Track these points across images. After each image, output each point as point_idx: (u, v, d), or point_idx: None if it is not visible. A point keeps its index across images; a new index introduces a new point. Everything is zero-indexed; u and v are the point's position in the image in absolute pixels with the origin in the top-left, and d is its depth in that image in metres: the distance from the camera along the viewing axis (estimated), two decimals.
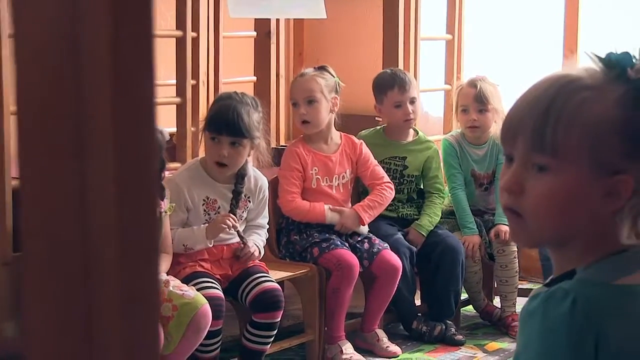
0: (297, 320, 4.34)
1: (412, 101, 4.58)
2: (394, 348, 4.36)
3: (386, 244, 4.32)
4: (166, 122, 4.21)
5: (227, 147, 3.81)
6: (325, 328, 4.20)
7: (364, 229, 4.36)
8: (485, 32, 5.58)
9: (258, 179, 4.00)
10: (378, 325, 4.41)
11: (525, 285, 5.07)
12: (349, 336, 4.28)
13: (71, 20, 0.59)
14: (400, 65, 4.94)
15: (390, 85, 4.57)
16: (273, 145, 4.49)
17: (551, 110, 1.30)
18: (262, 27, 4.89)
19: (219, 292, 3.70)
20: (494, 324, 4.76)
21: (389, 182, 4.43)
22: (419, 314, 4.57)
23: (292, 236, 4.30)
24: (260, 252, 3.96)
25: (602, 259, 1.32)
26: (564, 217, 1.32)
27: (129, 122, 0.60)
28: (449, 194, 4.73)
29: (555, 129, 1.29)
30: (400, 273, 4.29)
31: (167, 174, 3.88)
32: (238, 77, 4.91)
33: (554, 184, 1.31)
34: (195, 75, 4.41)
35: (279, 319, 3.85)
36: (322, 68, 4.33)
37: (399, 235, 4.47)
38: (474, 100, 4.63)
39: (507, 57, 5.48)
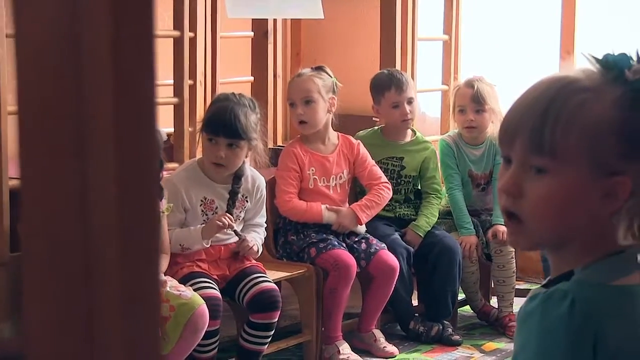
0: (294, 321, 4.34)
1: (410, 101, 4.58)
2: (391, 348, 4.36)
3: (383, 244, 4.32)
4: (163, 122, 4.21)
5: (224, 148, 3.81)
6: (323, 328, 4.20)
7: (362, 229, 4.36)
8: (482, 33, 5.58)
9: (256, 178, 4.00)
10: (375, 325, 4.41)
11: (522, 285, 5.08)
12: (346, 336, 4.28)
13: (72, 20, 0.59)
14: (398, 66, 4.94)
15: (388, 85, 4.57)
16: (270, 145, 4.49)
17: (549, 112, 1.30)
18: (260, 27, 4.89)
19: (216, 292, 3.71)
20: (491, 324, 4.76)
21: (387, 182, 4.44)
22: (416, 314, 4.57)
23: (289, 236, 4.30)
24: (259, 249, 3.96)
25: (600, 260, 1.32)
26: (563, 219, 1.32)
27: (130, 122, 0.60)
28: (446, 194, 4.74)
29: (553, 130, 1.29)
30: (398, 273, 4.30)
31: (164, 174, 3.88)
32: (235, 77, 4.91)
33: (552, 185, 1.31)
34: (193, 75, 4.41)
35: (277, 319, 3.85)
36: (319, 68, 4.33)
37: (396, 235, 4.47)
38: (471, 101, 4.63)
39: (504, 57, 5.48)
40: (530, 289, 5.16)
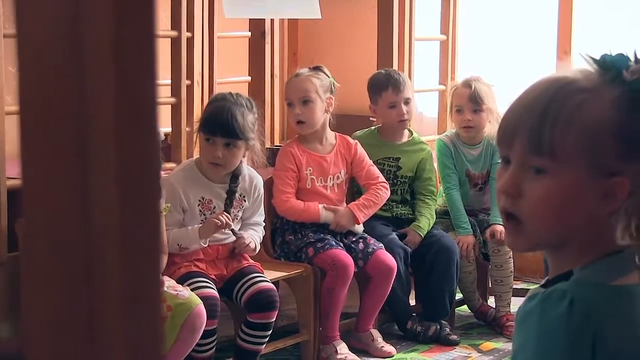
0: (291, 321, 4.34)
1: (407, 102, 4.59)
2: (388, 348, 4.36)
3: (381, 244, 4.32)
4: (161, 122, 4.20)
5: (221, 148, 3.81)
6: (320, 328, 4.20)
7: (359, 229, 4.36)
8: (480, 33, 5.58)
9: (253, 177, 4.00)
10: (373, 325, 4.41)
11: (519, 285, 5.08)
12: (344, 336, 4.28)
13: (73, 20, 0.60)
14: (395, 66, 4.94)
15: (385, 85, 4.57)
16: (267, 145, 4.49)
17: (548, 112, 1.30)
18: (257, 27, 4.89)
19: (214, 292, 3.71)
20: (488, 324, 4.77)
21: (385, 182, 4.44)
22: (414, 314, 4.58)
23: (287, 236, 4.30)
24: (256, 246, 3.96)
25: (599, 260, 1.32)
26: (562, 219, 1.32)
27: (131, 122, 0.60)
28: (444, 194, 4.74)
29: (552, 131, 1.30)
30: (395, 273, 4.30)
31: (162, 174, 3.88)
32: (233, 77, 4.91)
33: (551, 186, 1.31)
34: (190, 75, 4.41)
35: (274, 319, 3.85)
36: (317, 68, 4.33)
37: (394, 235, 4.47)
38: (469, 101, 4.64)
39: (501, 57, 5.48)
40: (527, 289, 5.16)
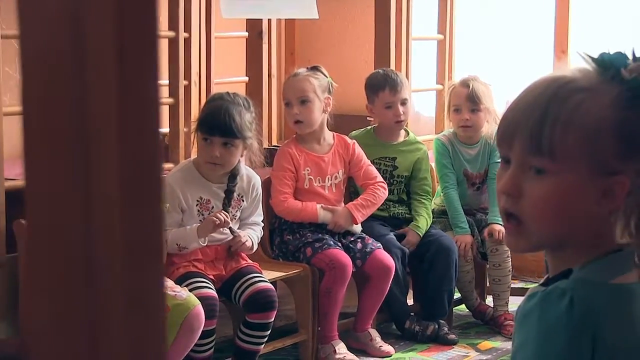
0: (290, 320, 4.35)
1: (403, 102, 4.59)
2: (387, 347, 4.36)
3: (379, 244, 4.33)
4: None
5: (219, 147, 3.81)
6: (319, 328, 4.20)
7: (357, 229, 4.36)
8: (477, 32, 5.59)
9: (251, 177, 4.00)
10: (371, 324, 4.41)
11: (517, 284, 5.09)
12: (342, 336, 4.29)
13: (76, 20, 0.60)
14: (392, 65, 4.95)
15: (382, 86, 4.57)
16: (265, 145, 4.49)
17: (548, 113, 1.30)
18: (254, 27, 4.90)
19: (212, 292, 3.71)
20: (486, 323, 4.77)
21: (382, 182, 4.44)
22: (412, 314, 4.58)
23: (285, 236, 4.30)
24: (253, 245, 3.96)
25: (598, 259, 1.33)
26: (562, 219, 1.32)
27: (134, 122, 0.60)
28: (441, 194, 4.75)
29: (552, 132, 1.30)
30: (393, 273, 4.30)
31: None
32: (230, 78, 4.91)
33: (552, 186, 1.31)
34: (188, 75, 4.41)
35: (273, 319, 3.85)
36: (315, 68, 4.33)
37: (391, 235, 4.48)
38: (467, 100, 4.64)
39: (498, 57, 5.49)
40: (525, 288, 5.17)
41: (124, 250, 0.60)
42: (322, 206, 4.29)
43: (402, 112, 4.57)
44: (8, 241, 3.57)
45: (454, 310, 4.75)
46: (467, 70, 4.97)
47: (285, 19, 5.58)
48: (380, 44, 5.02)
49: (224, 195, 3.91)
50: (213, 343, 3.75)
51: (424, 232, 4.54)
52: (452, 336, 4.52)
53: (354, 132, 4.66)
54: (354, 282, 4.31)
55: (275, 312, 3.86)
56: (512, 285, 4.82)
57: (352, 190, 4.56)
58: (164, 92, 4.34)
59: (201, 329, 3.57)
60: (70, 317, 0.61)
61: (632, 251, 1.33)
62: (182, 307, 3.51)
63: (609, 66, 1.33)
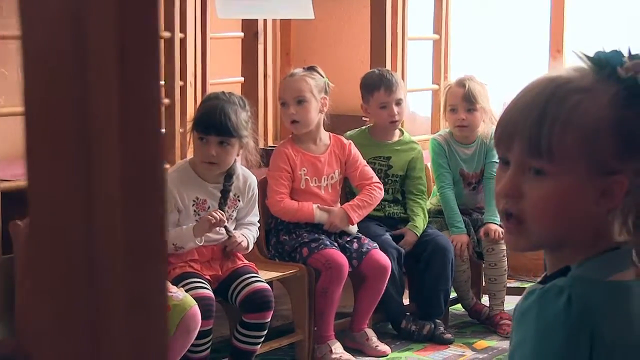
0: (286, 321, 4.35)
1: (398, 102, 4.59)
2: (383, 347, 4.36)
3: (375, 244, 4.33)
4: None
5: (215, 146, 3.81)
6: (315, 328, 4.21)
7: (353, 229, 4.37)
8: (472, 32, 5.59)
9: (247, 177, 4.00)
10: (367, 324, 4.42)
11: (513, 283, 5.09)
12: (339, 336, 4.29)
13: (77, 20, 0.60)
14: (388, 65, 4.95)
15: (377, 86, 4.58)
16: (261, 145, 4.49)
17: (546, 113, 1.31)
18: (250, 27, 4.89)
19: (209, 292, 3.71)
20: (482, 323, 4.78)
21: (378, 183, 4.44)
22: (408, 313, 4.58)
23: (281, 236, 4.31)
24: (249, 245, 3.96)
25: (596, 257, 1.33)
26: (562, 219, 1.32)
27: (136, 122, 0.60)
28: (438, 193, 4.75)
29: (551, 133, 1.30)
30: (389, 273, 4.31)
31: None
32: (226, 78, 4.91)
33: (551, 187, 1.31)
34: (183, 76, 4.41)
35: (269, 319, 3.86)
36: (311, 68, 4.33)
37: (387, 235, 4.48)
38: (463, 100, 4.65)
39: (494, 56, 5.49)
40: (521, 287, 5.17)
41: (125, 251, 0.60)
42: (318, 206, 4.29)
43: (396, 112, 4.58)
44: (4, 242, 3.56)
45: (449, 310, 4.76)
46: (463, 70, 4.97)
47: (281, 19, 5.58)
48: (376, 44, 5.02)
49: (220, 195, 3.91)
50: (209, 343, 3.75)
51: (421, 231, 4.55)
52: (448, 335, 4.52)
53: (349, 132, 4.66)
54: (350, 282, 4.32)
55: (272, 312, 3.86)
56: (508, 285, 4.83)
57: (347, 190, 4.56)
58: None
59: (198, 329, 3.57)
60: (72, 317, 0.61)
61: (629, 249, 1.34)
62: (178, 307, 3.51)
63: (605, 65, 1.33)
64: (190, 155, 4.11)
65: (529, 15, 5.45)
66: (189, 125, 4.01)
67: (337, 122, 4.48)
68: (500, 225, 4.59)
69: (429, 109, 5.50)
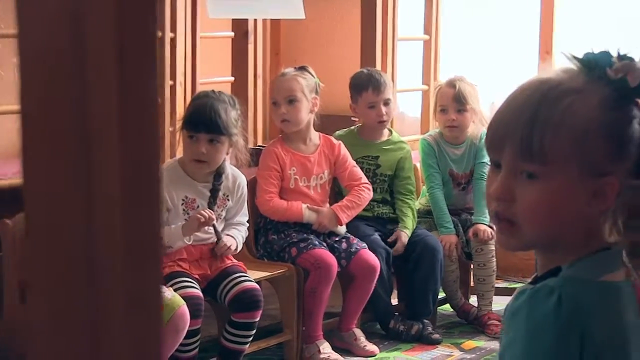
0: (274, 320, 4.35)
1: (386, 103, 4.60)
2: (371, 347, 4.37)
3: (364, 244, 4.33)
4: None
5: (205, 144, 3.81)
6: (303, 328, 4.21)
7: (342, 230, 4.37)
8: (462, 33, 5.61)
9: (236, 177, 4.00)
10: (355, 324, 4.42)
11: (501, 284, 5.10)
12: (327, 335, 4.29)
13: (76, 20, 0.60)
14: (378, 66, 4.96)
15: (365, 85, 4.58)
16: (250, 145, 4.49)
17: (537, 118, 1.31)
18: (240, 27, 4.89)
19: (197, 292, 3.70)
20: (470, 323, 4.78)
21: (367, 183, 4.45)
22: (396, 313, 4.59)
23: (270, 236, 4.31)
24: (237, 246, 3.95)
25: (586, 257, 1.34)
26: (555, 221, 1.33)
27: (134, 122, 0.60)
28: (427, 194, 4.76)
29: (542, 136, 1.30)
30: (378, 273, 4.31)
31: None
32: (215, 78, 4.91)
33: (544, 190, 1.32)
34: (173, 75, 4.41)
35: (258, 319, 3.85)
36: (302, 68, 4.34)
37: (376, 235, 4.49)
38: (453, 100, 4.65)
39: (484, 57, 5.51)
40: (509, 288, 5.17)
41: (124, 250, 0.60)
42: (307, 206, 4.29)
43: (384, 112, 4.58)
44: None
45: (438, 310, 4.76)
46: (453, 71, 4.98)
47: (271, 19, 5.58)
48: (366, 45, 5.03)
49: (209, 194, 3.91)
50: (198, 343, 3.74)
51: (411, 232, 4.55)
52: (436, 336, 4.53)
53: (338, 131, 4.67)
54: (339, 282, 4.32)
55: (261, 311, 3.86)
56: (497, 285, 4.84)
57: (337, 190, 4.57)
58: None
59: (186, 328, 3.56)
60: (71, 317, 0.61)
61: (620, 249, 1.34)
62: (167, 307, 3.51)
63: (594, 66, 1.33)
64: (179, 155, 4.11)
65: (519, 17, 5.47)
66: (178, 125, 4.00)
67: (326, 122, 4.48)
68: (489, 226, 4.60)
69: (419, 110, 5.50)
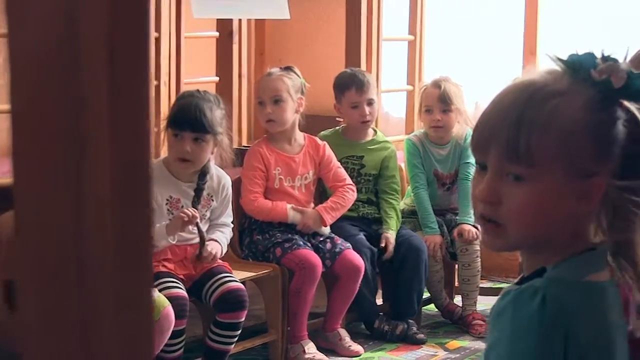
0: (259, 320, 4.34)
1: (370, 102, 4.60)
2: (356, 347, 4.37)
3: (349, 244, 4.34)
4: None
5: (190, 143, 3.81)
6: (288, 328, 4.21)
7: (326, 230, 4.37)
8: (447, 33, 5.62)
9: (221, 177, 4.00)
10: (340, 324, 4.42)
11: (485, 284, 5.12)
12: (312, 336, 4.29)
13: (68, 20, 0.60)
14: (363, 66, 4.96)
15: (349, 85, 4.59)
16: (235, 145, 4.49)
17: (523, 120, 1.31)
18: (225, 27, 4.89)
19: (182, 292, 3.70)
20: (455, 323, 4.80)
21: (351, 184, 4.45)
22: (381, 313, 4.60)
23: (254, 236, 4.30)
24: (222, 250, 3.95)
25: (572, 257, 1.34)
26: (542, 222, 1.33)
27: (126, 122, 0.61)
28: (412, 194, 4.77)
29: (528, 139, 1.30)
30: (363, 273, 4.31)
31: None
32: (200, 78, 4.90)
33: (530, 192, 1.32)
34: (157, 75, 4.40)
35: (243, 319, 3.85)
36: (288, 68, 4.34)
37: (361, 235, 4.49)
38: (438, 101, 4.66)
39: (468, 58, 5.52)
40: (494, 288, 5.18)
41: (114, 251, 0.60)
42: (292, 207, 4.30)
43: (368, 112, 4.59)
44: None
45: (422, 310, 4.77)
46: (438, 71, 4.99)
47: (256, 19, 5.57)
48: (350, 45, 5.03)
49: (193, 194, 3.90)
50: (183, 343, 3.74)
51: (395, 232, 4.56)
52: (421, 336, 4.54)
53: (322, 132, 4.67)
54: (324, 282, 4.32)
55: (246, 311, 3.85)
56: (481, 285, 4.85)
57: (321, 191, 4.57)
58: None
59: (171, 329, 3.56)
60: (61, 316, 0.61)
61: (605, 250, 1.35)
62: None
63: (579, 68, 1.34)
64: (164, 154, 4.10)
65: (503, 17, 5.48)
66: (162, 124, 4.00)
67: (311, 123, 4.49)
68: (474, 226, 4.61)
69: (403, 110, 5.51)
